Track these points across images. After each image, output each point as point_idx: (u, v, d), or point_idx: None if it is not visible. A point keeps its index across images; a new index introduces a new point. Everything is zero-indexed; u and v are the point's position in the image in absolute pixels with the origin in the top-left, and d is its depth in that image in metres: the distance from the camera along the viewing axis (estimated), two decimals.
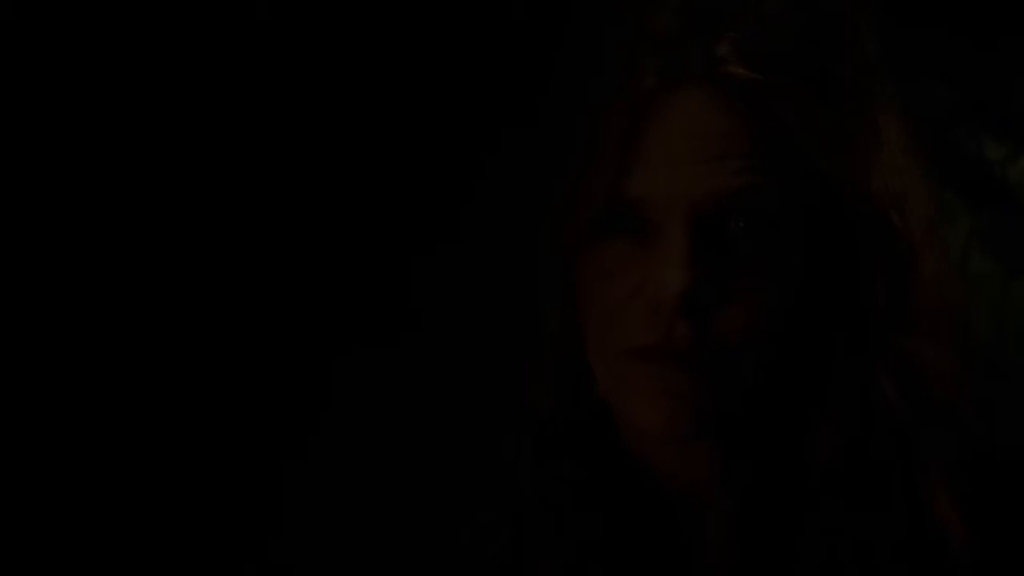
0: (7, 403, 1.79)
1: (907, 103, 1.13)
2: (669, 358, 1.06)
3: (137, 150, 1.81)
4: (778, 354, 1.09)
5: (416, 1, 1.87)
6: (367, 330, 1.89)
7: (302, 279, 1.88)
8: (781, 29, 1.07)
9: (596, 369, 1.11)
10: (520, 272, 1.14)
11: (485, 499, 1.15)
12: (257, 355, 1.87)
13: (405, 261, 1.90)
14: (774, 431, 1.13)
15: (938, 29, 1.87)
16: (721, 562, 1.14)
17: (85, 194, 1.79)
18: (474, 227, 1.86)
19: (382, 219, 1.89)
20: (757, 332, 1.07)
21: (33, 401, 1.81)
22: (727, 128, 1.05)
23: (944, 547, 1.10)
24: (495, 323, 1.18)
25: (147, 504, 1.84)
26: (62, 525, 1.81)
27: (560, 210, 1.10)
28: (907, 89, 1.14)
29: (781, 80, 1.06)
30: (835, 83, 1.08)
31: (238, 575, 1.86)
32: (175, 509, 1.85)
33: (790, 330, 1.09)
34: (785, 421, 1.12)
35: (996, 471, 1.15)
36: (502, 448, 1.15)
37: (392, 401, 1.87)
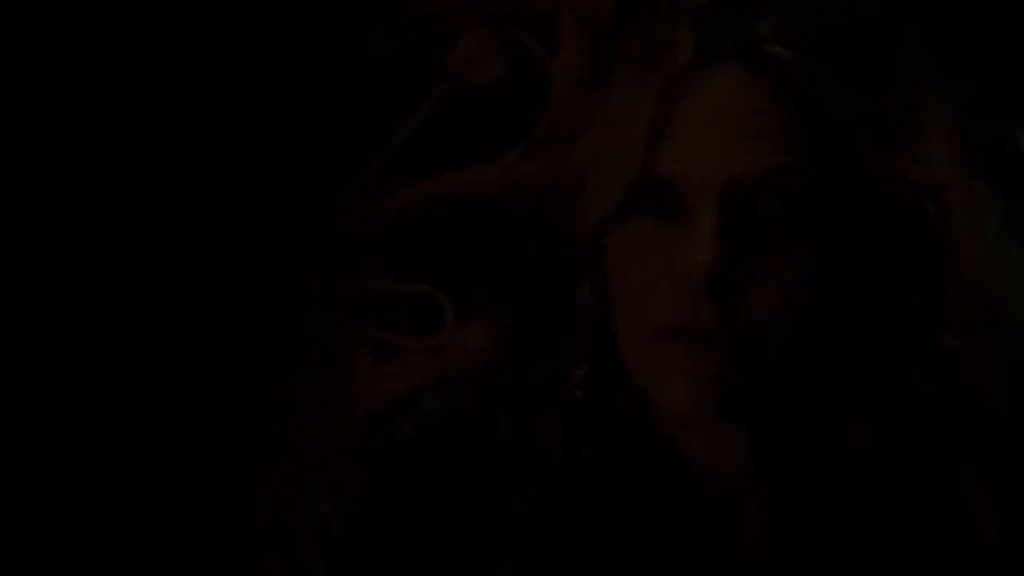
0: None
1: (949, 95, 1.13)
2: (695, 338, 1.06)
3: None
4: (804, 339, 1.09)
5: None
6: None
7: None
8: (824, 10, 1.07)
9: (625, 347, 1.11)
10: (555, 247, 1.14)
11: (516, 484, 1.13)
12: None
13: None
14: (804, 421, 1.12)
15: (938, 17, 1.85)
16: (753, 554, 1.14)
17: (84, 194, 1.76)
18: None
19: None
20: (783, 315, 1.07)
21: None
22: (763, 108, 1.05)
23: (978, 543, 1.10)
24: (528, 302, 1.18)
25: None
26: None
27: (592, 185, 1.10)
28: (942, 80, 1.13)
29: (821, 62, 1.05)
30: (878, 69, 1.08)
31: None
32: None
33: (817, 316, 1.09)
34: (814, 411, 1.12)
35: None
36: (535, 431, 1.14)
37: None
